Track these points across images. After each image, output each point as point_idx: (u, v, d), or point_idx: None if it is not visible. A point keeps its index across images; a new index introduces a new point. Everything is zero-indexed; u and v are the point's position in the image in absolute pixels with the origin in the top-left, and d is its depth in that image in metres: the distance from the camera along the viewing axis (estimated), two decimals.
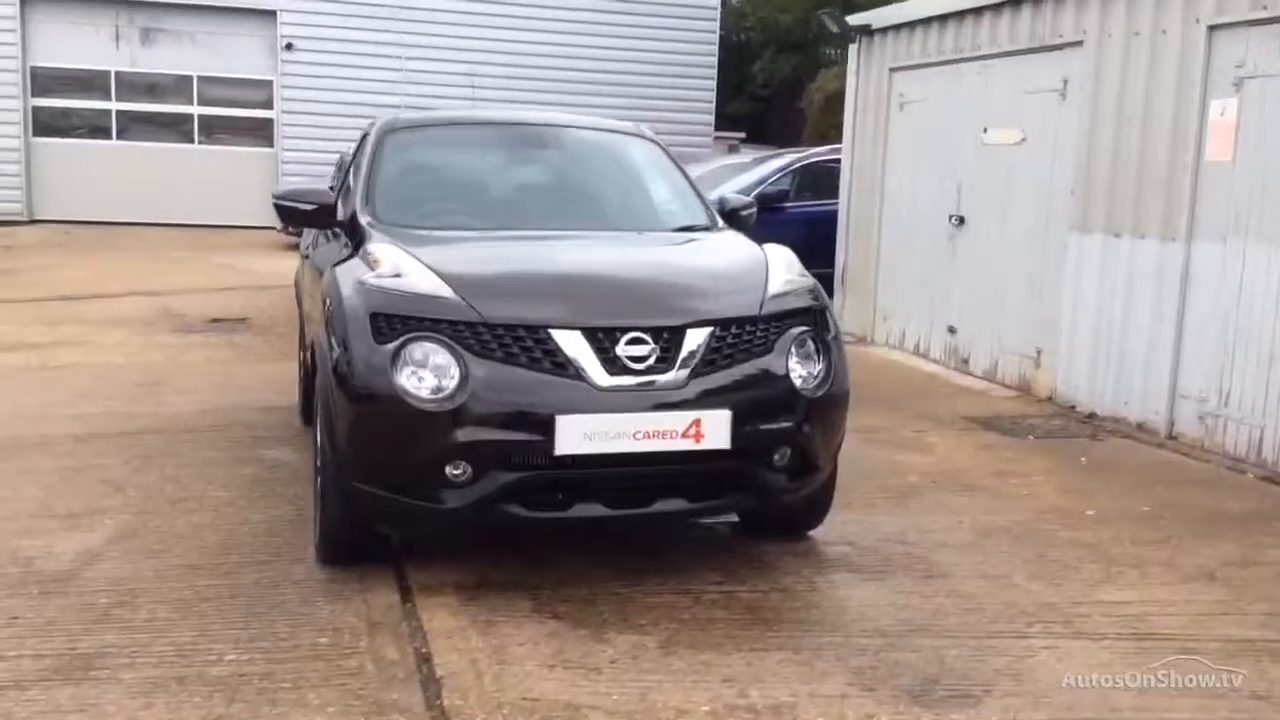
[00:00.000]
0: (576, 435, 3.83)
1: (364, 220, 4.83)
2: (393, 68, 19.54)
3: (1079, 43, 7.72)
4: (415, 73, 19.58)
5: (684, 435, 3.91)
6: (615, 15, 20.63)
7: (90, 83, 19.45)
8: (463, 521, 4.11)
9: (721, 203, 5.55)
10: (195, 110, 19.88)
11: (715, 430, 3.94)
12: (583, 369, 3.88)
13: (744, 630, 3.91)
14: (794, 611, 4.10)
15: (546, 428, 3.81)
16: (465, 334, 3.91)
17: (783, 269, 4.51)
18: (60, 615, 3.90)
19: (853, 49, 10.74)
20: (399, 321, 3.95)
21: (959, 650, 3.80)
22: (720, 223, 5.30)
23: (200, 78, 19.67)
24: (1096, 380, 7.55)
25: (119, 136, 19.66)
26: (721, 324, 4.08)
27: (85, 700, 3.30)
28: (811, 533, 4.92)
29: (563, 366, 3.88)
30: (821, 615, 4.08)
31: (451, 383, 3.85)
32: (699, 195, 5.46)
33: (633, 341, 3.94)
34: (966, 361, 9.03)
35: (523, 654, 3.67)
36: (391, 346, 3.90)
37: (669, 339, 3.99)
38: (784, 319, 4.25)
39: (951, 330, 9.24)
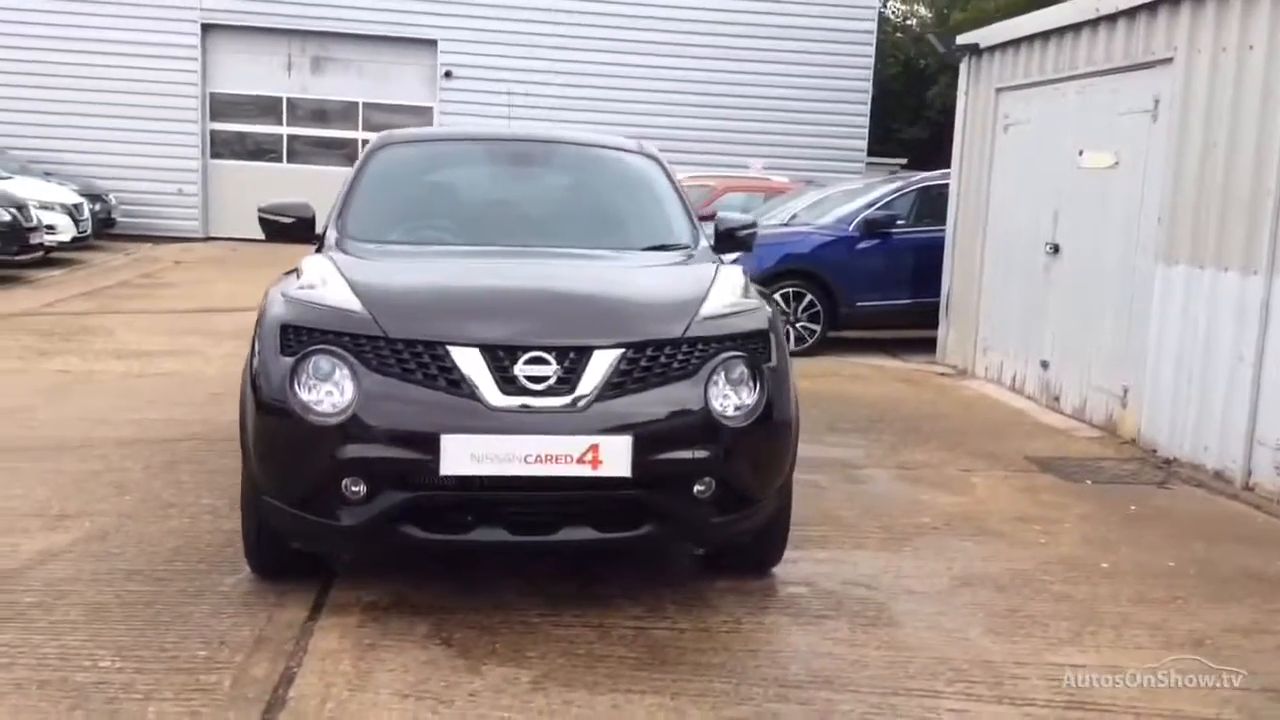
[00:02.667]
0: (463, 456, 3.70)
1: (329, 235, 4.85)
2: (546, 95, 19.84)
3: (1169, 60, 7.16)
4: (568, 99, 19.86)
5: (580, 460, 3.73)
6: (769, 42, 20.52)
7: (264, 108, 20.51)
8: (360, 541, 4.05)
9: (718, 223, 5.34)
10: (360, 135, 20.69)
11: (614, 457, 3.75)
12: (476, 388, 3.76)
13: (632, 670, 3.70)
14: (699, 653, 3.86)
15: (432, 447, 3.69)
16: (366, 349, 3.84)
17: (726, 292, 4.28)
18: None
19: (962, 69, 10.28)
20: (305, 334, 3.92)
21: (852, 707, 3.50)
22: (702, 243, 5.09)
23: (365, 104, 20.48)
24: (1177, 423, 6.94)
25: (289, 159, 20.64)
26: (635, 346, 3.89)
27: None
28: (776, 570, 4.65)
29: (457, 385, 3.77)
30: (726, 659, 3.82)
31: (345, 398, 3.79)
32: (688, 215, 5.27)
33: (532, 361, 3.79)
34: (1058, 399, 8.46)
35: (384, 681, 3.56)
36: (292, 359, 3.87)
37: (574, 360, 3.82)
38: (713, 343, 4.01)
39: (1044, 365, 8.68)
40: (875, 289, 11.14)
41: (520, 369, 3.78)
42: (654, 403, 3.86)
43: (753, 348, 4.10)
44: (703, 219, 15.24)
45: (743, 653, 3.88)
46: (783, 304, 10.87)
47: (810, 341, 10.94)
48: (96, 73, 19.74)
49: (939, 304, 10.63)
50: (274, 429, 3.93)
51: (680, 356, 3.94)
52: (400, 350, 3.83)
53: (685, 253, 4.94)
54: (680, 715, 3.41)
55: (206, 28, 20.08)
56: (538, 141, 5.76)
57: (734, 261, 10.56)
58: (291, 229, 5.09)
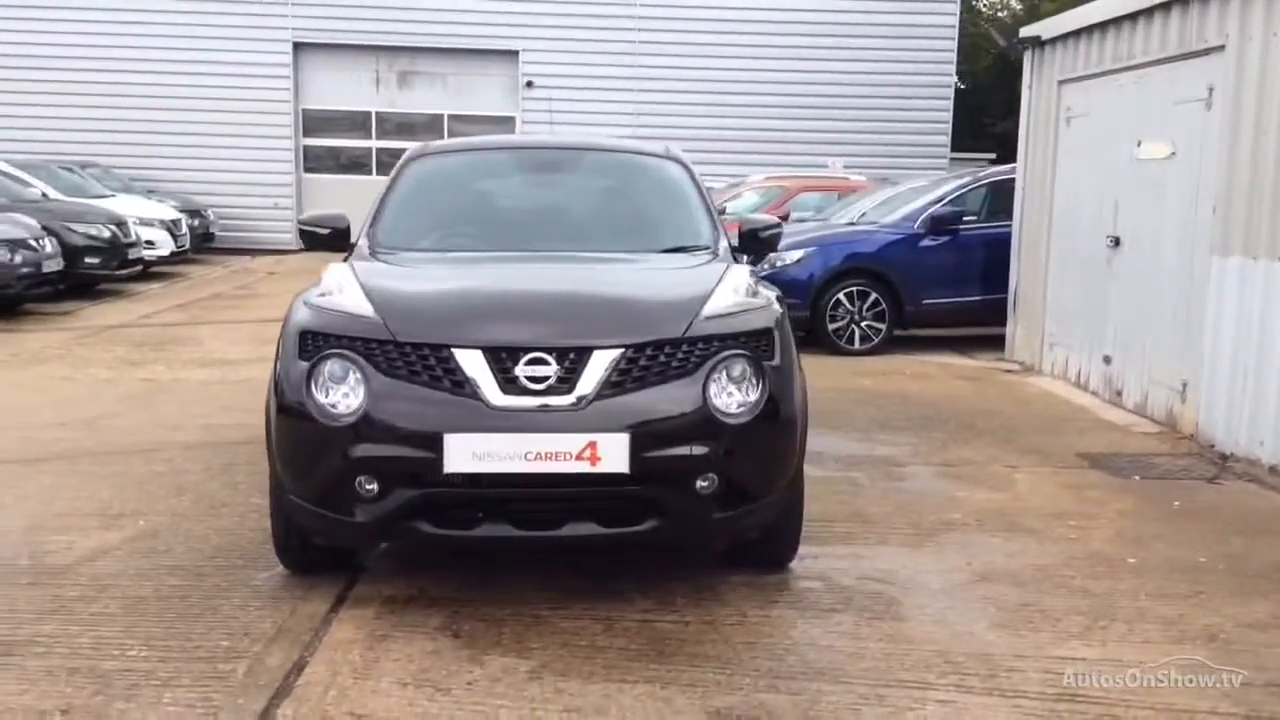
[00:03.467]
0: (465, 454, 3.84)
1: (360, 244, 5.05)
2: (627, 101, 20.02)
3: (1221, 47, 7.02)
4: (649, 104, 20.01)
5: (578, 457, 3.85)
6: (848, 39, 20.44)
7: (353, 123, 21.05)
8: (376, 536, 4.22)
9: (741, 224, 5.41)
10: None
11: (612, 454, 3.85)
12: (479, 388, 3.90)
13: (629, 661, 3.80)
14: (699, 645, 3.94)
15: (436, 445, 3.84)
16: (376, 352, 4.01)
17: (730, 292, 4.35)
18: (24, 605, 4.27)
19: (1025, 62, 10.16)
20: (321, 339, 4.11)
21: (840, 698, 3.55)
22: (723, 245, 5.16)
23: (450, 116, 20.90)
24: (1233, 418, 6.80)
25: (378, 171, 21.15)
26: (634, 346, 3.99)
27: None
28: (793, 565, 4.72)
29: (460, 385, 3.92)
30: (724, 651, 3.90)
31: (356, 400, 3.96)
32: (711, 217, 5.35)
33: (533, 362, 3.92)
34: (1120, 394, 8.33)
35: (389, 669, 3.72)
36: (309, 363, 4.05)
37: (574, 360, 3.94)
38: (715, 342, 4.09)
39: (1106, 360, 8.55)
40: (942, 286, 11.05)
41: (521, 370, 3.91)
42: (653, 401, 3.96)
43: (756, 346, 4.16)
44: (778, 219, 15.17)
45: (741, 645, 3.95)
46: (847, 303, 10.86)
47: (875, 341, 10.91)
48: (195, 93, 20.51)
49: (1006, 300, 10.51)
50: (293, 430, 4.13)
51: (680, 355, 4.03)
52: (408, 353, 3.99)
53: (702, 254, 5.02)
54: (667, 704, 3.50)
55: (298, 46, 20.72)
56: (565, 149, 5.90)
57: (798, 260, 10.70)
58: (329, 239, 5.30)
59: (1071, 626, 4.16)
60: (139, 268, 16.23)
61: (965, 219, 11.30)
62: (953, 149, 21.87)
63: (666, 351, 4.03)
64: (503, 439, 3.85)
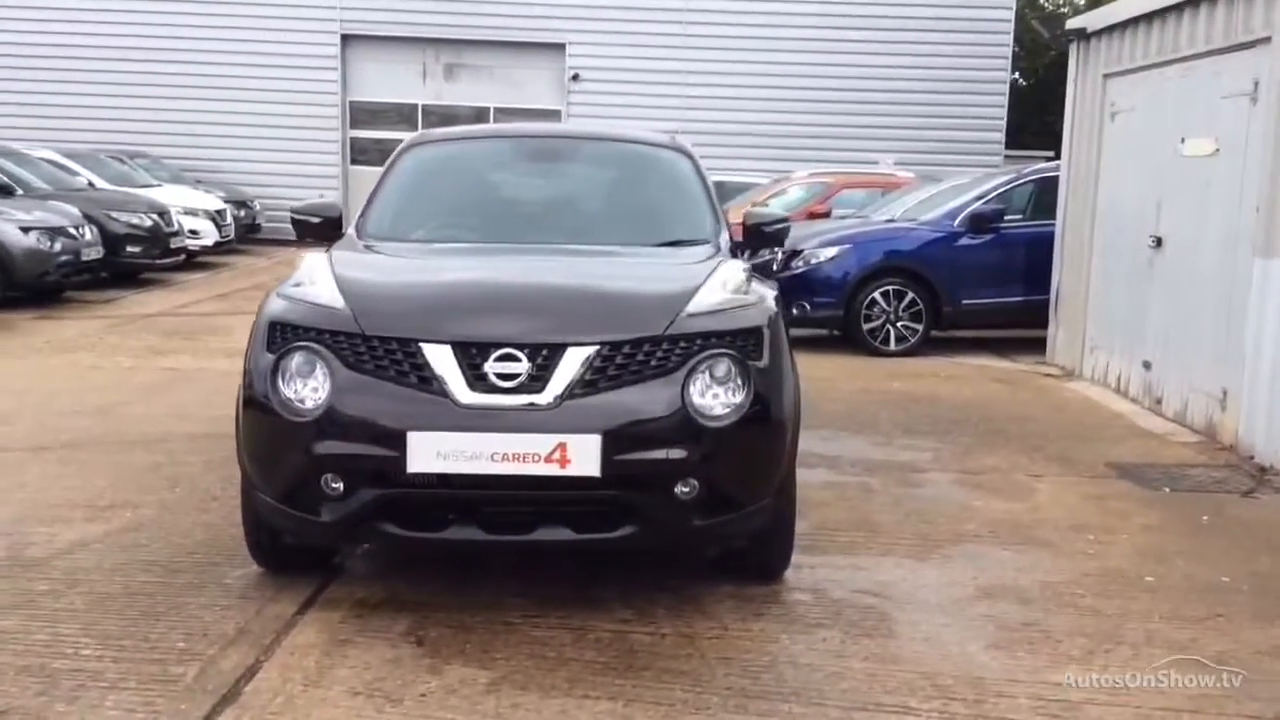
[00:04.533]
0: (429, 453, 3.68)
1: (349, 232, 4.91)
2: (674, 95, 19.81)
3: (1267, 39, 6.67)
4: (696, 98, 19.79)
5: (548, 459, 3.67)
6: (899, 33, 20.05)
7: (400, 115, 21.04)
8: (342, 537, 4.08)
9: (745, 217, 5.20)
10: None
11: (583, 456, 3.67)
12: (446, 385, 3.73)
13: (595, 675, 3.62)
14: (671, 660, 3.75)
15: (399, 444, 3.68)
16: (344, 346, 3.86)
17: (718, 288, 4.14)
18: None
19: (1071, 55, 9.82)
20: (290, 330, 3.97)
21: None
22: (723, 239, 4.95)
23: (496, 109, 20.81)
24: (1274, 428, 6.46)
25: None
26: (611, 344, 3.80)
27: None
28: (788, 575, 4.50)
29: (428, 382, 3.75)
30: (697, 667, 3.70)
31: (320, 394, 3.82)
32: (713, 211, 5.14)
33: (504, 358, 3.75)
34: (1160, 401, 7.99)
35: (342, 678, 3.57)
36: (275, 355, 3.91)
37: (546, 358, 3.76)
38: (699, 340, 3.89)
39: (1146, 365, 8.21)
40: (982, 286, 10.73)
41: (491, 366, 3.74)
42: (628, 401, 3.77)
43: (743, 345, 3.95)
44: (818, 215, 14.98)
45: (716, 660, 3.75)
46: (882, 302, 10.58)
47: (911, 341, 10.61)
48: (244, 84, 20.62)
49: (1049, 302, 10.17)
50: (259, 424, 3.99)
51: (659, 354, 3.84)
52: (375, 347, 3.83)
53: (699, 249, 4.80)
54: None
55: (346, 38, 20.75)
56: (565, 138, 5.73)
57: (832, 258, 10.43)
58: (320, 228, 5.17)
59: (1073, 649, 3.91)
60: (182, 257, 16.29)
61: (1009, 217, 10.96)
62: (1015, 146, 21.43)
63: (645, 350, 3.83)
64: (469, 438, 3.68)
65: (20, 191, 14.27)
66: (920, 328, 10.63)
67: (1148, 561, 4.87)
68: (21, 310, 12.29)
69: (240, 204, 19.16)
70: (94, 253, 13.80)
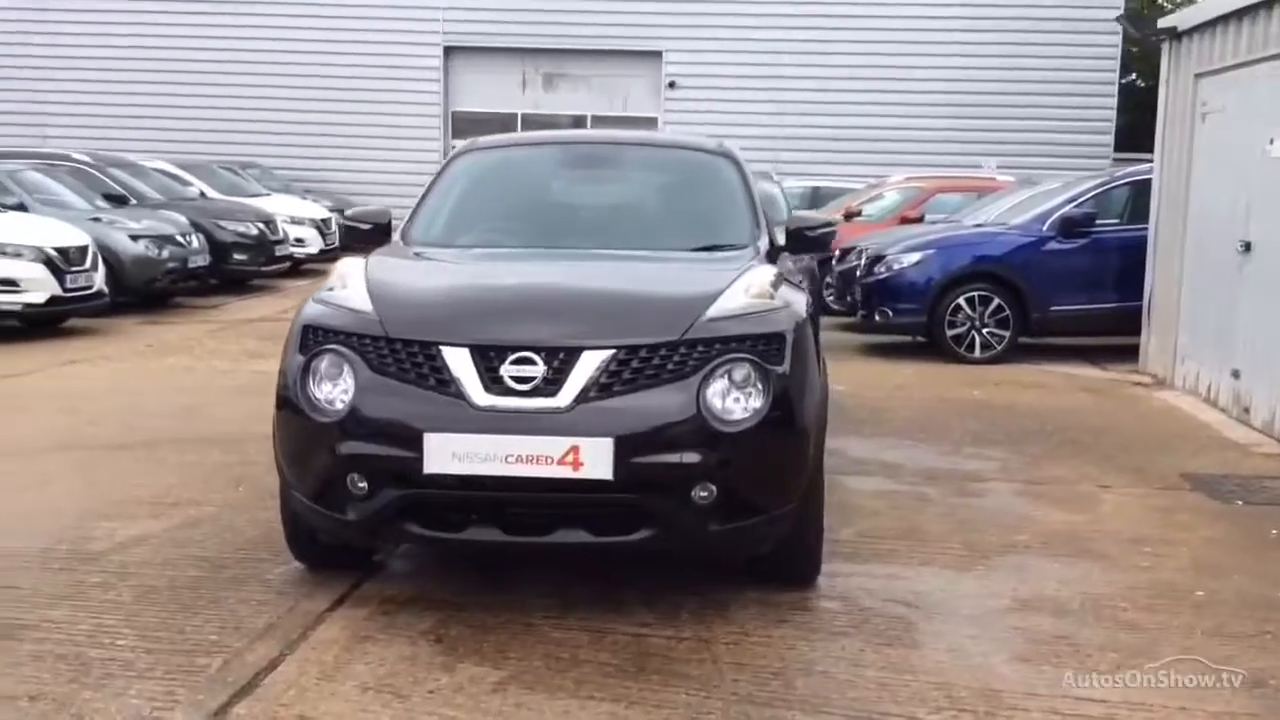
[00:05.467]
0: (445, 454, 3.74)
1: (394, 237, 5.02)
2: (770, 100, 19.73)
3: None
4: (793, 103, 19.69)
5: (560, 462, 3.70)
6: (1001, 34, 19.67)
7: (500, 124, 21.31)
8: (368, 536, 4.15)
9: (788, 222, 5.16)
10: None
11: (595, 459, 3.69)
12: (464, 388, 3.79)
13: (605, 677, 3.63)
14: (684, 664, 3.74)
15: (417, 445, 3.75)
16: (369, 349, 3.95)
17: (741, 293, 4.12)
18: (45, 589, 4.35)
19: (1162, 55, 9.52)
20: (322, 334, 4.07)
21: None
22: (762, 244, 4.91)
23: (593, 117, 20.97)
24: None
25: None
26: (627, 348, 3.82)
27: None
28: (821, 582, 4.46)
29: (446, 384, 3.82)
30: (707, 672, 3.68)
31: (345, 396, 3.91)
32: (753, 216, 5.10)
33: (520, 361, 3.79)
34: (1248, 411, 7.69)
35: (356, 673, 3.64)
36: (305, 357, 4.02)
37: (563, 361, 3.79)
38: (717, 345, 3.88)
39: (1235, 374, 7.90)
40: (1073, 292, 10.43)
41: (507, 369, 3.79)
42: (642, 405, 3.78)
43: (763, 350, 3.93)
44: (911, 220, 14.74)
45: (729, 665, 3.73)
46: (968, 309, 10.37)
47: (998, 349, 10.38)
48: (351, 96, 21.17)
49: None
50: (290, 424, 4.11)
51: (676, 359, 3.84)
52: (398, 350, 3.91)
53: (734, 253, 4.78)
54: None
55: (448, 50, 21.16)
56: (611, 144, 5.75)
57: (916, 263, 10.24)
58: (370, 235, 5.28)
59: (1101, 663, 3.79)
60: (287, 264, 16.79)
61: (1105, 221, 10.65)
62: (1129, 149, 20.74)
63: (662, 354, 3.84)
64: (483, 440, 3.73)
65: (134, 201, 14.87)
66: (1007, 335, 10.39)
67: (1203, 576, 4.69)
68: (131, 315, 12.79)
69: (345, 213, 19.65)
70: (201, 260, 14.32)
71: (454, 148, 5.74)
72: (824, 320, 12.22)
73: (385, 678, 3.60)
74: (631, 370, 3.80)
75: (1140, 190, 10.69)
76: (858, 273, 11.21)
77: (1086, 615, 4.24)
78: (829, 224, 5.23)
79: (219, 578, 4.51)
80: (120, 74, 21.83)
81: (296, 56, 21.34)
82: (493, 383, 3.79)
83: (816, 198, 17.74)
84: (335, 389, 3.94)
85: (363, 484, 3.89)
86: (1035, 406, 8.40)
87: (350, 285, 4.26)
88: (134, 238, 13.21)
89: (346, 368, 3.94)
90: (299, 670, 3.66)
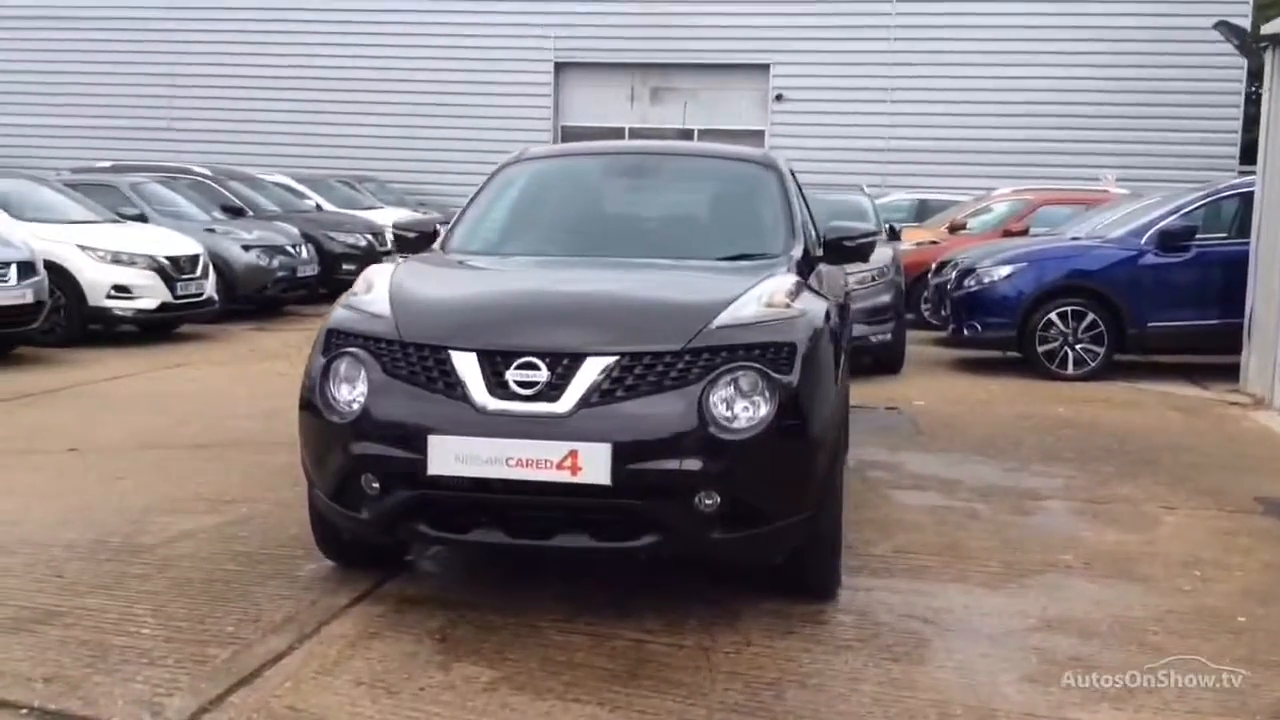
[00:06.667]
0: (448, 457, 3.80)
1: (435, 245, 5.13)
2: (879, 112, 19.50)
3: None
4: (902, 115, 19.44)
5: (559, 466, 3.73)
6: (1124, 44, 19.10)
7: (607, 138, 21.51)
8: (382, 534, 4.23)
9: (825, 231, 5.11)
10: None
11: (594, 464, 3.71)
12: (469, 391, 3.85)
13: (596, 681, 3.64)
14: (679, 672, 3.72)
15: (422, 446, 3.82)
16: (384, 352, 4.04)
17: (753, 301, 4.10)
18: (88, 578, 4.54)
19: (1267, 62, 9.14)
20: (342, 337, 4.19)
21: None
22: (795, 253, 4.87)
23: (700, 130, 21.01)
24: None
25: None
26: (630, 355, 3.83)
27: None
28: (842, 595, 4.40)
29: (453, 388, 3.88)
30: (701, 680, 3.66)
31: (359, 397, 4.00)
32: (789, 225, 5.05)
33: (524, 366, 3.84)
34: None
35: (354, 669, 3.72)
36: (326, 359, 4.14)
37: (566, 367, 3.83)
38: (723, 353, 3.87)
39: None
40: (1171, 308, 10.05)
41: (512, 374, 3.84)
42: (642, 411, 3.78)
43: (772, 359, 3.90)
44: (1015, 233, 14.40)
45: (724, 675, 3.70)
46: (1060, 324, 10.08)
47: (1092, 365, 10.06)
48: (465, 112, 21.64)
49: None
50: (309, 424, 4.23)
51: (680, 366, 3.84)
52: (410, 353, 3.99)
53: (760, 262, 4.74)
54: None
55: (559, 66, 21.46)
56: (655, 154, 5.76)
57: (1006, 276, 9.99)
58: (416, 243, 5.41)
59: (1112, 689, 3.65)
60: None
61: (1210, 234, 10.26)
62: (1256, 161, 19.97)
63: (665, 361, 3.84)
64: (484, 443, 3.78)
65: (249, 213, 15.44)
66: (1101, 351, 10.07)
67: (1249, 602, 4.49)
68: (242, 321, 13.31)
69: None
70: (310, 269, 14.79)
71: (504, 159, 5.82)
72: (918, 334, 12.14)
73: (381, 674, 3.67)
74: (634, 377, 3.81)
75: (1246, 203, 10.27)
76: (949, 285, 11.01)
77: (1111, 638, 4.08)
78: (869, 233, 5.16)
79: (252, 572, 4.65)
80: (244, 91, 22.71)
81: (413, 74, 21.92)
82: (497, 387, 3.84)
83: (924, 210, 17.48)
84: (354, 391, 4.04)
85: (375, 484, 3.98)
86: (1119, 425, 8.13)
87: (375, 290, 4.37)
88: (246, 247, 13.72)
89: (362, 370, 4.03)
90: (301, 663, 3.75)
